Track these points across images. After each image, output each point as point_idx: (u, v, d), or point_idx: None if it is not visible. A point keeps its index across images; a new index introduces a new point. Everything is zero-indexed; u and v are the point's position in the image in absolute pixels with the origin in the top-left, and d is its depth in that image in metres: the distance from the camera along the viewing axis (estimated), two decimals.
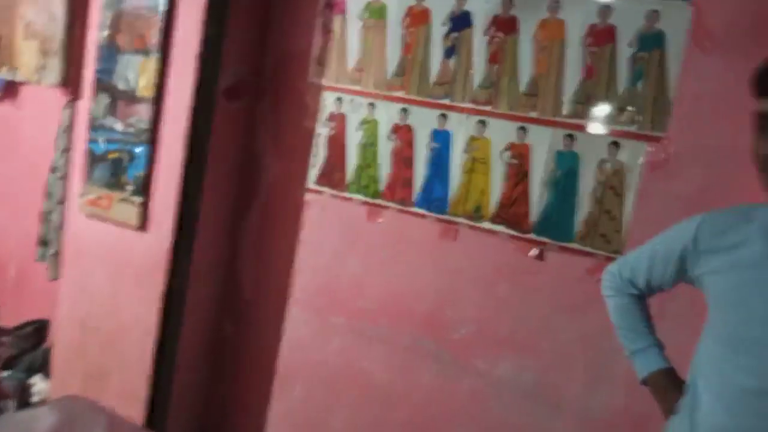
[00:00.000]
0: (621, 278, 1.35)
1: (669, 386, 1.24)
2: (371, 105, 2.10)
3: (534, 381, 1.90)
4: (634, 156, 1.73)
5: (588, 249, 1.80)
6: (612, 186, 1.77)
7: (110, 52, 2.25)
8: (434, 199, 2.02)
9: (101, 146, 2.30)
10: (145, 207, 2.21)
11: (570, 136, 1.81)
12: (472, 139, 1.95)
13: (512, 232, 1.91)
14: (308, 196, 2.24)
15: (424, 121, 2.02)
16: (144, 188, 2.20)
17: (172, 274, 2.18)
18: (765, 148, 0.97)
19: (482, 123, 1.93)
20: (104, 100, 2.27)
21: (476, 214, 1.96)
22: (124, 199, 2.24)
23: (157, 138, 2.18)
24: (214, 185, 2.23)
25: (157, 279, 2.19)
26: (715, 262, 1.12)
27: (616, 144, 1.76)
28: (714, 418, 1.04)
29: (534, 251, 1.88)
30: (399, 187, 2.07)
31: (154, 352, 2.21)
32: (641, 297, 1.35)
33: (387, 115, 2.08)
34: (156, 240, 2.20)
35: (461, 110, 1.95)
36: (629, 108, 1.73)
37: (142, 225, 2.22)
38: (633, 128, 1.73)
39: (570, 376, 1.85)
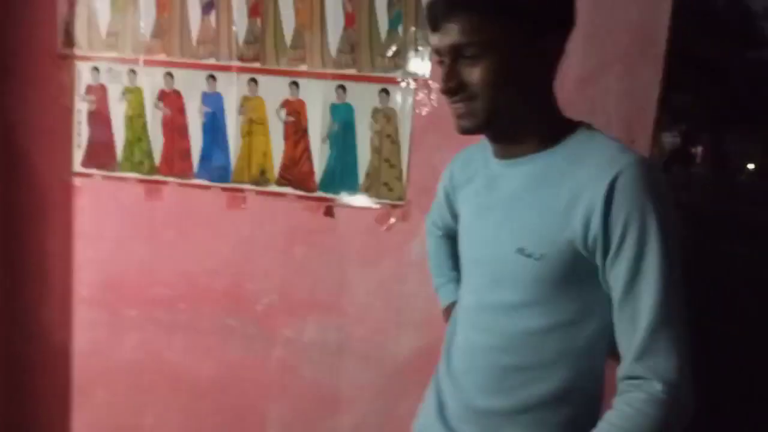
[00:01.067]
0: (429, 221, 1.41)
1: None
2: (132, 72, 1.89)
3: (340, 338, 1.89)
4: (404, 102, 1.74)
5: (374, 200, 1.80)
6: (388, 134, 1.77)
7: None
8: (215, 167, 1.88)
9: None
10: None
11: (341, 87, 1.77)
12: (245, 99, 1.83)
13: (300, 192, 1.85)
14: (77, 181, 1.99)
15: (192, 85, 1.86)
16: None
17: None
18: (442, 83, 0.92)
19: (253, 81, 1.82)
20: None
21: (261, 178, 1.86)
22: None
23: None
24: None
25: None
26: (462, 195, 1.13)
27: (386, 91, 1.75)
28: (458, 341, 1.07)
29: (323, 209, 1.84)
30: (176, 160, 1.91)
31: None
32: (447, 237, 1.38)
33: (151, 81, 1.89)
34: None
35: (229, 69, 1.83)
36: (392, 53, 1.73)
37: None
38: (398, 74, 1.73)
39: (373, 327, 1.86)
